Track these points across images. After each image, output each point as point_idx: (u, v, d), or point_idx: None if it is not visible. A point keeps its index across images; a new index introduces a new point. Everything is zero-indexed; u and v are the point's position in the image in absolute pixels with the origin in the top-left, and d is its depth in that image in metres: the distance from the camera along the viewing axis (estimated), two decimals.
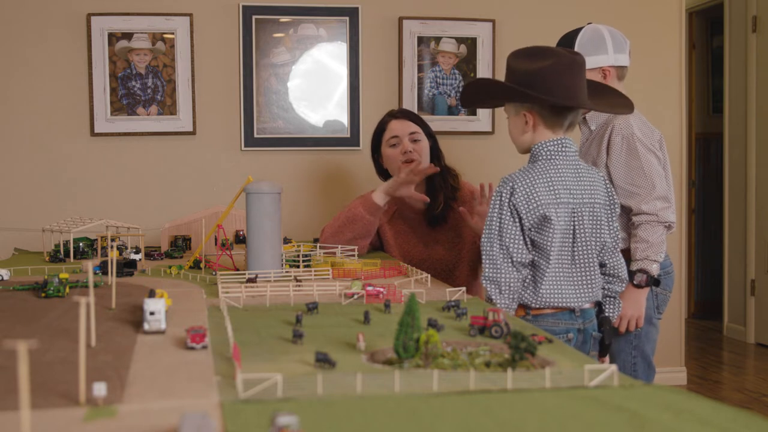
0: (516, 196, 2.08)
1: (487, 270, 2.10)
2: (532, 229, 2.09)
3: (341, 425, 1.00)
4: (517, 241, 2.08)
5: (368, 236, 2.88)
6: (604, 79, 2.60)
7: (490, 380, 1.20)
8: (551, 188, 2.09)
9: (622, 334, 2.57)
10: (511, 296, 2.09)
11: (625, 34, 4.12)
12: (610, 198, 2.22)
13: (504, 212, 2.09)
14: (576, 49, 2.58)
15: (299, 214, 3.82)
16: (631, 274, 2.50)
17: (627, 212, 2.57)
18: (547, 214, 2.06)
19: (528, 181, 2.09)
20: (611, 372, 1.19)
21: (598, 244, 2.17)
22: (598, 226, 2.16)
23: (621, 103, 2.37)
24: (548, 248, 2.08)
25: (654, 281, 2.53)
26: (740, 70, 5.39)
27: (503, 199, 2.10)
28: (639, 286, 2.51)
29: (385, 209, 2.92)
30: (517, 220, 2.08)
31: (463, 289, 2.01)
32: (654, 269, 2.51)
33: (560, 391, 1.15)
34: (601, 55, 2.64)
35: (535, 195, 2.07)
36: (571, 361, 1.34)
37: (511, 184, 2.10)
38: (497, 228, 2.09)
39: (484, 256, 2.11)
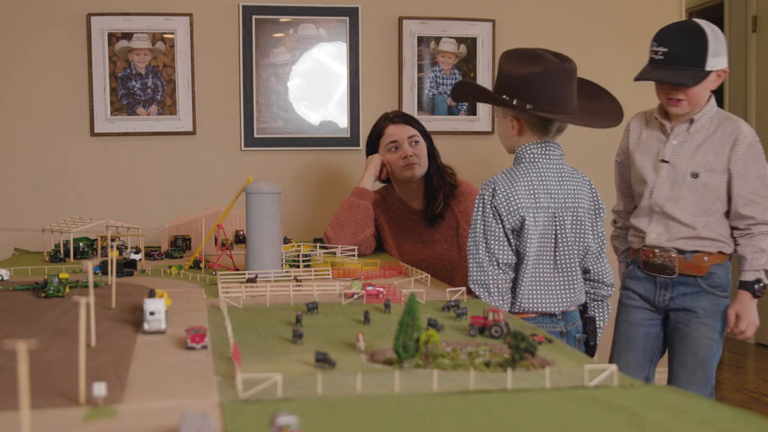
0: (497, 198, 2.08)
1: (474, 273, 2.09)
2: (512, 232, 2.09)
3: (341, 425, 1.00)
4: (501, 243, 2.08)
5: (370, 222, 2.90)
6: (718, 80, 2.46)
7: (490, 380, 1.20)
8: (531, 192, 2.09)
9: (740, 337, 2.53)
10: (501, 298, 2.08)
11: (625, 34, 4.14)
12: (596, 203, 2.21)
13: (487, 214, 2.09)
14: (710, 46, 2.40)
15: (299, 214, 3.82)
16: (749, 284, 2.46)
17: (736, 219, 2.48)
18: (525, 217, 2.06)
19: (509, 183, 2.09)
20: (611, 372, 1.19)
21: (581, 249, 2.17)
22: (582, 231, 2.16)
23: (609, 111, 2.30)
24: (524, 252, 2.08)
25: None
26: (740, 70, 5.39)
27: (485, 201, 2.10)
28: (759, 297, 2.48)
29: (375, 196, 3.01)
30: (500, 222, 2.08)
31: (463, 289, 2.01)
32: (766, 279, 2.49)
33: (560, 391, 1.15)
34: (723, 56, 2.46)
35: (514, 198, 2.07)
36: (571, 361, 1.34)
37: (492, 186, 2.10)
38: (481, 230, 2.10)
39: (470, 259, 2.10)
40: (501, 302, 2.08)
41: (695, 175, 2.47)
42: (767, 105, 5.18)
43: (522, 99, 2.09)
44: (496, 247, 2.08)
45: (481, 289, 2.08)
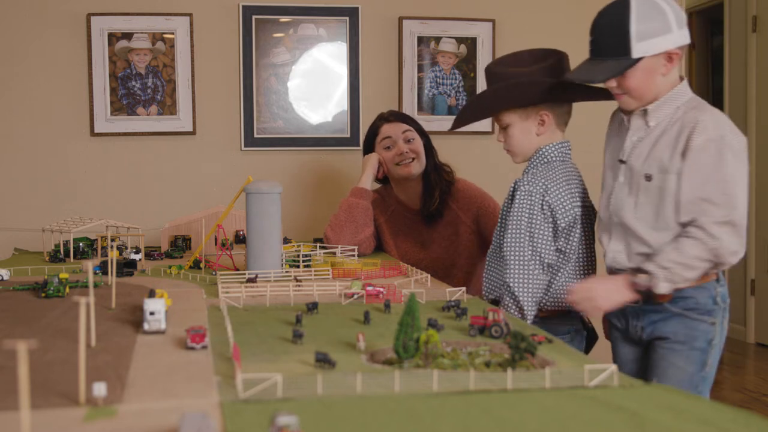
0: (550, 195, 2.04)
1: (515, 272, 2.04)
2: (563, 231, 2.07)
3: (341, 425, 1.00)
4: (548, 243, 2.05)
5: (369, 222, 2.90)
6: (669, 63, 1.96)
7: (490, 380, 1.20)
8: (575, 190, 2.10)
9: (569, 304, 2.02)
10: (536, 301, 2.06)
11: None
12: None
13: (535, 212, 2.04)
14: (633, 27, 1.92)
15: (299, 214, 3.82)
16: (640, 275, 1.94)
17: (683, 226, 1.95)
18: (577, 215, 2.06)
19: (556, 181, 2.07)
20: (611, 372, 1.19)
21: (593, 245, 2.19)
22: (593, 228, 2.17)
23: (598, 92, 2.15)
24: (570, 251, 2.07)
25: (647, 296, 1.95)
26: (740, 70, 5.39)
27: (534, 198, 2.05)
28: (636, 287, 1.93)
29: (374, 196, 3.00)
30: (550, 221, 2.05)
31: (463, 289, 2.00)
32: (663, 287, 1.91)
33: (560, 391, 1.15)
34: (667, 35, 1.93)
35: (567, 195, 2.06)
36: (571, 361, 1.34)
37: (543, 183, 2.06)
38: (527, 229, 2.05)
39: (512, 258, 2.06)
40: (534, 306, 2.05)
41: (648, 178, 1.98)
42: (767, 105, 5.18)
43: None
44: (543, 247, 2.04)
45: (522, 290, 2.03)
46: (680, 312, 1.98)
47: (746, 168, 1.93)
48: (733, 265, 1.95)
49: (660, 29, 1.92)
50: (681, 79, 2.00)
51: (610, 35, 1.95)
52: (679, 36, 1.95)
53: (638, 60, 1.93)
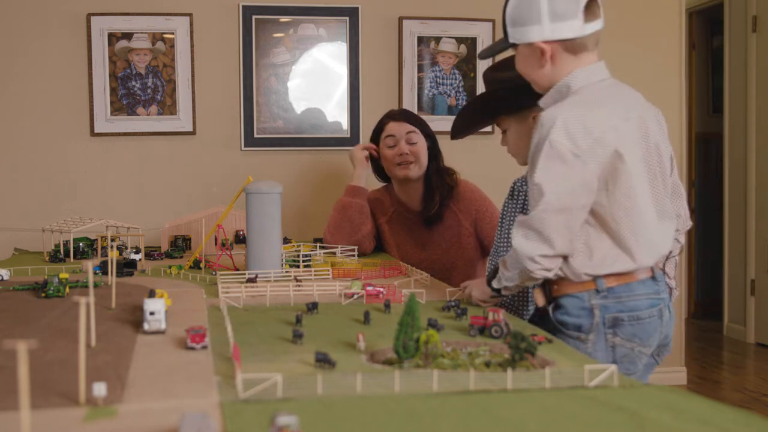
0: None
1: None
2: None
3: (341, 425, 1.00)
4: None
5: (366, 220, 2.90)
6: (542, 57, 1.80)
7: (490, 380, 1.20)
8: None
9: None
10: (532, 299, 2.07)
11: (626, 34, 4.13)
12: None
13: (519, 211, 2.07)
14: (508, 12, 1.83)
15: (299, 214, 3.82)
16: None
17: None
18: None
19: None
20: (611, 372, 1.19)
21: None
22: None
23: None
24: None
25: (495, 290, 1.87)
26: (740, 70, 5.39)
27: (516, 193, 2.08)
28: (489, 284, 1.87)
29: (368, 191, 3.00)
30: None
31: None
32: (493, 282, 1.85)
33: (560, 391, 1.15)
34: (533, 26, 1.79)
35: None
36: (571, 361, 1.34)
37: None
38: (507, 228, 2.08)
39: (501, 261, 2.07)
40: (526, 306, 2.06)
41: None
42: (767, 105, 5.18)
43: None
44: None
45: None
46: (555, 324, 1.82)
47: (568, 174, 1.69)
48: (537, 275, 1.74)
49: (528, 19, 1.78)
50: (573, 71, 1.80)
51: (503, 17, 1.87)
52: (551, 30, 1.76)
53: (512, 45, 1.85)
